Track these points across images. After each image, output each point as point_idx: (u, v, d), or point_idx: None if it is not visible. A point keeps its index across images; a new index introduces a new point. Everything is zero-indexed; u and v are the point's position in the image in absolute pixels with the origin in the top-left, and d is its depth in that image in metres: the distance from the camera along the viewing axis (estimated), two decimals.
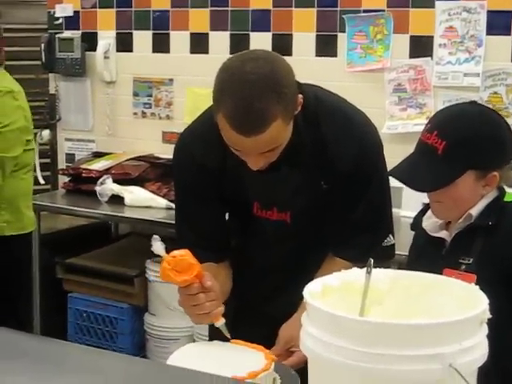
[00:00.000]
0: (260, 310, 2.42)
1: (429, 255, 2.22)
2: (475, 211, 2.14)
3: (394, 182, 4.44)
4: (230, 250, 2.43)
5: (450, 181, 2.11)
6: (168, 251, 2.05)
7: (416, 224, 2.32)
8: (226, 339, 2.12)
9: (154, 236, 2.06)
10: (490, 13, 4.00)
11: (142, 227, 4.74)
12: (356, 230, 2.31)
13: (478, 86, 4.02)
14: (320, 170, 2.24)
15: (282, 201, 2.30)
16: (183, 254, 2.04)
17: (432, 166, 2.11)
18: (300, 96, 2.11)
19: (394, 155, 4.14)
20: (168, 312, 4.24)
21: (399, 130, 4.23)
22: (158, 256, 2.05)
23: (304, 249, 2.36)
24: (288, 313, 2.29)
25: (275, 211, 2.31)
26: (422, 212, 2.30)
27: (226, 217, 2.46)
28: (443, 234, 2.22)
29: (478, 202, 2.15)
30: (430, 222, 2.25)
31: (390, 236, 2.36)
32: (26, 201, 3.92)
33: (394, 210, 3.84)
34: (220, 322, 2.13)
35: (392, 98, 4.26)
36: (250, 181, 2.28)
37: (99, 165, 4.70)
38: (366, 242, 2.31)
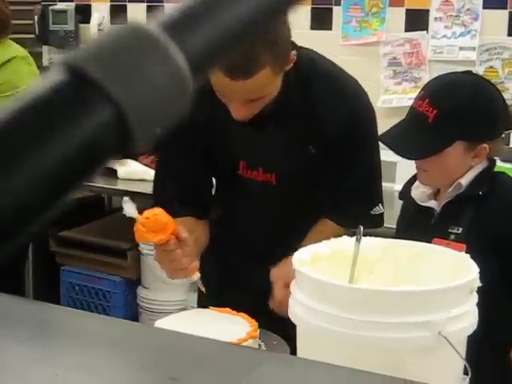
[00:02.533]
0: (245, 278, 2.40)
1: (417, 225, 2.21)
2: (465, 180, 2.13)
3: (387, 156, 4.42)
4: (209, 211, 2.40)
5: (439, 150, 2.09)
6: (140, 211, 2.03)
7: (404, 193, 2.30)
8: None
9: (124, 198, 2.04)
10: None
11: (136, 200, 4.72)
12: (347, 195, 2.30)
13: (474, 60, 4.00)
14: (308, 133, 2.23)
15: (268, 161, 2.28)
16: (156, 214, 2.02)
17: (421, 133, 2.09)
18: (293, 53, 2.10)
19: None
20: (161, 285, 4.23)
21: (394, 103, 4.21)
22: (131, 218, 2.01)
23: (290, 213, 2.34)
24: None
25: (261, 171, 2.30)
26: (411, 181, 2.29)
27: (212, 181, 2.45)
28: (432, 204, 2.20)
29: (468, 172, 2.14)
30: (418, 191, 2.23)
31: (380, 205, 2.35)
32: None
33: (388, 185, 3.87)
34: (195, 277, 2.13)
35: (387, 71, 4.24)
36: (237, 138, 2.27)
37: None
38: (356, 208, 2.30)
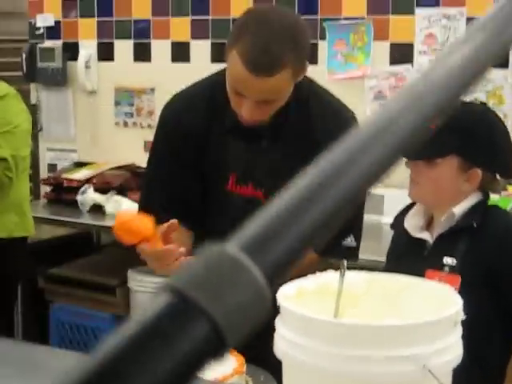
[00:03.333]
0: None
1: (410, 257, 2.22)
2: (458, 210, 2.14)
3: (375, 189, 4.42)
4: (197, 224, 2.38)
5: (434, 155, 2.11)
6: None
7: (396, 223, 2.32)
8: None
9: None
10: (470, 20, 4.02)
11: None
12: None
13: None
14: (301, 152, 2.24)
15: (259, 176, 2.29)
16: (130, 220, 2.04)
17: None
18: (307, 64, 2.15)
19: None
20: None
21: None
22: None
23: None
24: None
25: (250, 186, 2.29)
26: (404, 212, 2.30)
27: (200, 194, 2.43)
28: (425, 235, 2.21)
29: (462, 202, 2.15)
30: (411, 223, 2.24)
31: (352, 237, 2.31)
32: (28, 204, 3.97)
33: (376, 217, 3.89)
34: None
35: (373, 105, 4.27)
36: (231, 151, 2.29)
37: (80, 174, 4.68)
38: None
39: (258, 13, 2.18)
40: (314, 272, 1.67)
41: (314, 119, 2.24)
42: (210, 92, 2.28)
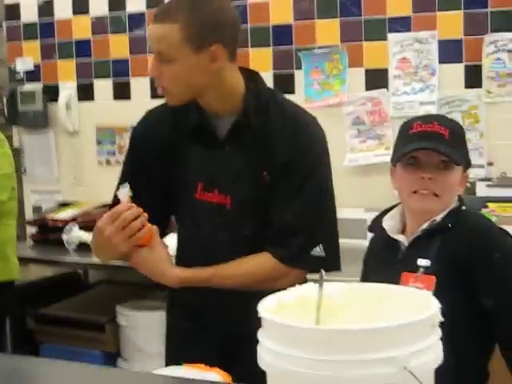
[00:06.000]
0: (210, 323, 2.43)
1: (386, 260, 2.26)
2: (439, 217, 2.20)
3: (359, 214, 4.45)
4: (164, 233, 2.45)
5: (459, 161, 2.19)
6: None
7: (374, 226, 2.35)
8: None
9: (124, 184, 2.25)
10: (442, 42, 4.09)
11: (111, 273, 4.74)
12: (287, 228, 2.29)
13: (435, 113, 4.09)
14: (263, 158, 2.28)
15: (223, 182, 2.33)
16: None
17: (443, 144, 2.16)
18: (218, 48, 2.20)
19: (356, 187, 4.23)
20: (140, 356, 4.23)
21: (360, 161, 4.28)
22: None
23: (243, 242, 2.34)
24: (228, 320, 2.36)
25: (216, 193, 2.33)
26: (381, 215, 2.34)
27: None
28: (400, 238, 2.26)
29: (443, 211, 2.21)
30: (389, 223, 2.29)
31: (321, 246, 2.30)
32: (13, 248, 3.95)
33: (359, 241, 3.91)
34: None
35: (351, 130, 4.32)
36: (195, 160, 2.35)
37: (65, 214, 4.70)
38: (294, 244, 2.29)
39: None
40: (293, 285, 1.70)
41: (274, 125, 2.28)
42: (175, 108, 2.35)
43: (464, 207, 2.25)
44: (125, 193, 2.23)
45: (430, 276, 2.09)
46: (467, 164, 2.27)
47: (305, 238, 2.30)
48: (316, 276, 1.65)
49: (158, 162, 2.40)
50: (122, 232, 2.21)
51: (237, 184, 2.32)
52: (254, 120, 2.29)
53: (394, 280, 1.83)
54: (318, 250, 2.30)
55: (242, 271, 2.29)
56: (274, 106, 2.32)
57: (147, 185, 2.42)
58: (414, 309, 1.56)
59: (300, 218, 2.29)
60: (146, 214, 2.23)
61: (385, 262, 2.24)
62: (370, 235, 3.97)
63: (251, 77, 2.36)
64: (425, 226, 2.21)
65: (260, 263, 2.30)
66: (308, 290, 1.67)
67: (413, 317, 1.46)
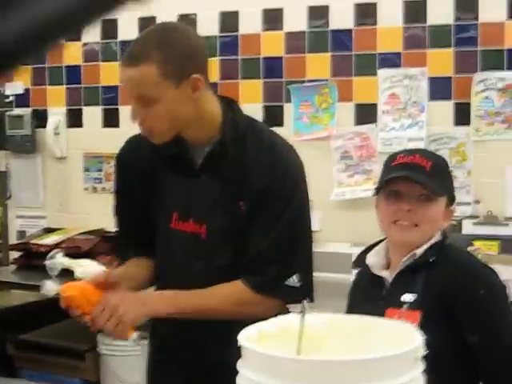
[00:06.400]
0: (174, 349, 2.41)
1: (370, 296, 2.25)
2: (419, 251, 2.19)
3: (344, 248, 4.44)
4: (152, 251, 2.45)
5: (439, 193, 2.20)
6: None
7: (359, 261, 2.34)
8: None
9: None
10: (431, 79, 4.11)
11: None
12: (262, 257, 2.27)
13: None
14: (239, 187, 2.27)
15: (198, 211, 2.32)
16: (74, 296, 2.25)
17: (424, 175, 2.17)
18: (197, 77, 2.19)
19: (343, 222, 4.22)
20: None
21: (347, 196, 4.28)
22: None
23: (219, 272, 2.31)
24: (200, 350, 2.34)
25: (191, 222, 2.32)
26: (366, 250, 2.33)
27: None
28: (384, 274, 2.25)
29: (425, 244, 2.21)
30: (373, 260, 2.28)
31: (296, 276, 2.27)
32: None
33: (344, 276, 3.90)
34: (131, 338, 2.20)
35: (339, 165, 4.32)
36: (172, 188, 2.35)
37: (50, 239, 4.67)
38: (269, 273, 2.26)
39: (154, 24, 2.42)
40: (270, 314, 1.69)
41: (250, 155, 2.28)
42: None
43: (448, 241, 2.25)
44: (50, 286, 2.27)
45: (415, 311, 2.08)
46: (451, 198, 2.27)
47: (280, 267, 2.27)
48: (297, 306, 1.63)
49: (138, 187, 2.42)
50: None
51: (212, 213, 2.30)
52: (231, 150, 2.28)
53: (379, 316, 1.81)
54: (293, 280, 2.27)
55: (215, 300, 2.26)
56: (252, 136, 2.31)
57: (131, 209, 2.46)
58: (397, 342, 1.55)
59: (276, 245, 2.26)
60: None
61: (369, 298, 2.23)
62: (355, 270, 4.01)
63: (228, 104, 2.35)
64: (405, 258, 2.20)
65: (232, 291, 2.27)
66: (290, 320, 1.65)
67: (396, 349, 1.45)
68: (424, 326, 1.61)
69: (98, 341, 4.29)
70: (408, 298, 2.14)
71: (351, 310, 2.34)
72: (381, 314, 2.04)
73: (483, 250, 3.76)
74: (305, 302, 1.55)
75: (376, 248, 2.31)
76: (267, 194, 2.24)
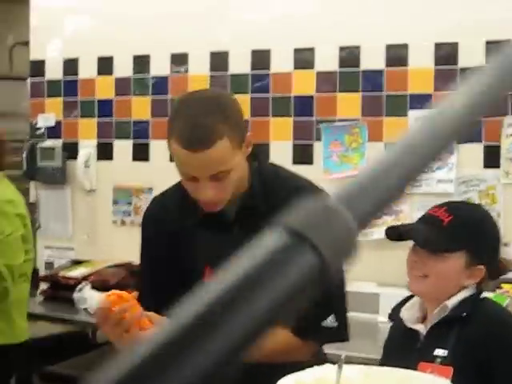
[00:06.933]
0: None
1: (404, 349, 2.25)
2: (451, 303, 2.19)
3: (371, 288, 4.42)
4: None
5: (445, 250, 2.17)
6: None
7: (394, 314, 2.35)
8: None
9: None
10: None
11: None
12: None
13: (452, 192, 4.10)
14: None
15: None
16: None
17: (434, 231, 2.17)
18: (249, 135, 2.22)
19: (369, 261, 4.22)
20: None
21: (375, 236, 4.27)
22: None
23: None
24: None
25: None
26: (401, 303, 2.34)
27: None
28: (419, 327, 2.25)
29: (457, 295, 2.20)
30: (408, 313, 2.28)
31: (333, 317, 2.27)
32: (20, 309, 3.94)
33: (371, 316, 3.90)
34: None
35: None
36: (202, 244, 2.35)
37: (77, 272, 4.70)
38: (306, 315, 2.27)
39: (183, 97, 2.33)
40: (310, 363, 1.69)
41: (280, 204, 2.27)
42: (181, 192, 2.34)
43: (482, 296, 2.25)
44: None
45: (447, 367, 2.07)
46: (477, 256, 2.22)
47: (318, 309, 2.25)
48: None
49: (165, 245, 2.40)
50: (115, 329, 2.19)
51: None
52: (261, 201, 2.29)
53: (411, 369, 1.81)
54: (329, 321, 2.27)
55: (266, 350, 2.26)
56: (279, 184, 2.32)
57: (156, 267, 2.44)
58: None
59: None
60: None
61: (402, 351, 2.23)
62: (382, 310, 4.00)
63: (252, 153, 2.34)
64: (436, 311, 2.20)
65: (279, 340, 2.27)
66: (326, 370, 1.66)
67: None
68: (456, 382, 1.61)
69: None
70: (441, 352, 2.14)
71: (385, 362, 2.34)
72: (414, 367, 2.04)
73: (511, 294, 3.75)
74: (342, 355, 1.56)
75: (411, 301, 2.31)
76: None
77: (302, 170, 4.39)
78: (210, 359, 0.58)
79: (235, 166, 2.19)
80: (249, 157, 2.31)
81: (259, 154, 2.38)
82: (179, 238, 2.38)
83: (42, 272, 5.22)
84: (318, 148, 4.46)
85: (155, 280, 2.46)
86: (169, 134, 2.20)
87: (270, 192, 2.31)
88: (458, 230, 2.21)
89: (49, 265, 5.24)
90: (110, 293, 2.20)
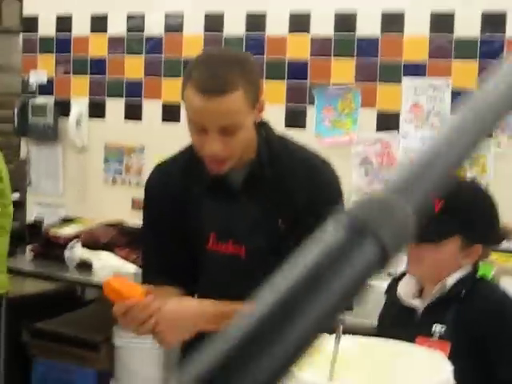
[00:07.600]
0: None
1: (401, 323, 2.28)
2: (450, 281, 2.22)
3: None
4: (180, 281, 2.43)
5: (439, 238, 2.19)
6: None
7: (390, 289, 2.38)
8: None
9: None
10: (455, 91, 4.13)
11: None
12: None
13: None
14: (278, 206, 2.30)
15: (238, 233, 2.34)
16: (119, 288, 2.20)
17: (426, 221, 2.17)
18: (262, 100, 2.24)
19: None
20: (133, 378, 4.24)
21: None
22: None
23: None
24: None
25: (230, 244, 2.34)
26: (397, 278, 2.36)
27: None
28: (416, 303, 2.28)
29: (454, 274, 2.23)
30: (404, 290, 2.31)
31: None
32: (2, 263, 3.95)
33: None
34: None
35: (359, 170, 4.35)
36: (209, 211, 2.35)
37: (68, 230, 4.72)
38: None
39: (206, 50, 2.38)
40: None
41: (286, 173, 2.31)
42: (186, 160, 2.37)
43: (478, 276, 2.28)
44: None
45: (445, 342, 2.11)
46: (472, 236, 2.23)
47: None
48: None
49: (170, 215, 2.39)
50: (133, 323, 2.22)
51: (252, 234, 2.33)
52: (267, 170, 2.31)
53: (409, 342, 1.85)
54: None
55: None
56: (285, 153, 2.35)
57: (162, 239, 2.42)
58: (426, 370, 1.59)
59: None
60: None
61: (400, 325, 2.26)
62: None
63: (260, 124, 2.35)
64: (435, 290, 2.23)
65: None
66: (323, 341, 1.69)
67: (426, 380, 1.49)
68: (452, 358, 1.64)
69: (114, 333, 4.34)
70: (438, 328, 2.17)
71: (380, 334, 2.37)
72: (411, 340, 2.07)
73: (499, 263, 3.79)
74: (341, 326, 1.59)
75: (408, 276, 2.34)
76: (305, 209, 2.26)
77: (294, 134, 4.41)
78: (293, 342, 0.63)
79: (245, 125, 2.19)
80: (257, 127, 2.31)
81: (267, 124, 2.38)
82: (185, 205, 2.38)
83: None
84: (311, 112, 4.47)
85: (160, 250, 2.44)
86: (185, 80, 2.21)
87: (277, 162, 2.32)
88: (450, 215, 2.18)
89: (38, 222, 5.25)
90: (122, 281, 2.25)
